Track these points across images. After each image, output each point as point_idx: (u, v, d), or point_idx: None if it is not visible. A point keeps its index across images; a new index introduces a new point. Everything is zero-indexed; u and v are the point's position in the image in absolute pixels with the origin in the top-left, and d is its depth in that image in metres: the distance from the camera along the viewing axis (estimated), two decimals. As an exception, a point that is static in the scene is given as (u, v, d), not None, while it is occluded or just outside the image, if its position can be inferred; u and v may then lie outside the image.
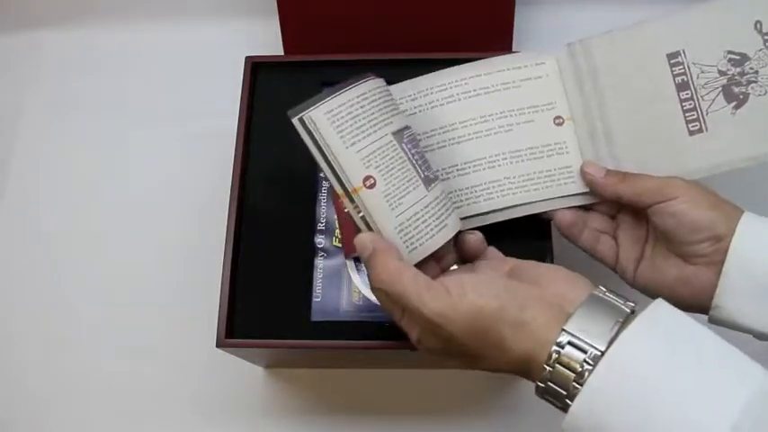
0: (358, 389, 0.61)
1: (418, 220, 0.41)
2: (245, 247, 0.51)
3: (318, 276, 0.50)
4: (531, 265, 0.40)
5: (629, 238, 0.47)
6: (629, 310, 0.35)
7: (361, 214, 0.40)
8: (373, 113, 0.41)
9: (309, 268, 0.51)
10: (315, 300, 0.50)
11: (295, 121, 0.40)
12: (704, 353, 0.33)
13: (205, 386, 0.62)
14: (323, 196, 0.53)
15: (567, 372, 0.33)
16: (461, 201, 0.48)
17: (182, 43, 0.76)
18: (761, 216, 0.42)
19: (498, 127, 0.49)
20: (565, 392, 0.33)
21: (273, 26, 0.66)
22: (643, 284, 0.46)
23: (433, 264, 0.43)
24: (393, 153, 0.41)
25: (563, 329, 0.34)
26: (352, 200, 0.40)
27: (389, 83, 0.55)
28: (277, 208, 0.52)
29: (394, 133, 0.41)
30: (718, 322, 0.43)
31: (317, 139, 0.40)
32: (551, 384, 0.34)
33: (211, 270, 0.52)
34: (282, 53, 0.68)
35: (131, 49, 0.76)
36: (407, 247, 0.40)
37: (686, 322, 0.34)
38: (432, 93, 0.50)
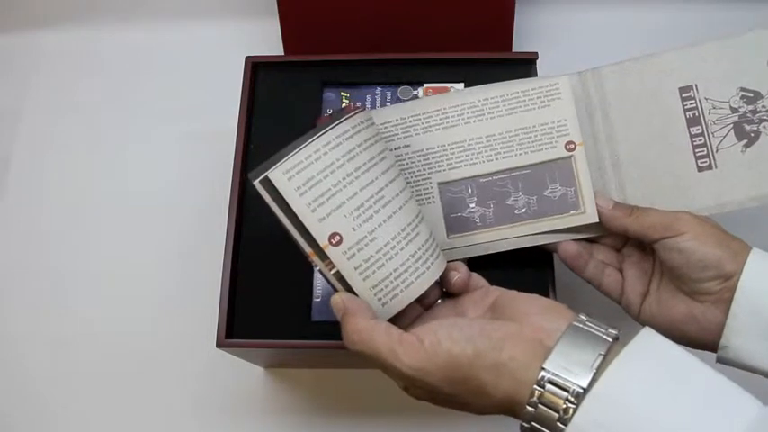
0: (358, 389, 0.61)
1: (391, 274, 0.39)
2: (245, 247, 0.51)
3: (318, 276, 0.50)
4: (510, 297, 0.39)
5: (635, 272, 0.47)
6: (611, 339, 0.34)
7: (333, 270, 0.39)
8: (342, 165, 0.38)
9: (309, 268, 0.51)
10: (315, 300, 0.50)
11: (256, 184, 0.38)
12: (694, 385, 0.32)
13: (205, 386, 0.62)
14: (323, 196, 0.53)
15: (551, 411, 0.32)
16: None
17: (182, 43, 0.76)
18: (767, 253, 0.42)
19: (507, 150, 0.48)
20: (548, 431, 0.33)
21: (273, 26, 0.66)
22: (649, 320, 0.45)
23: (414, 303, 0.41)
24: (366, 206, 0.39)
25: (542, 368, 0.33)
26: (322, 257, 0.38)
27: (390, 83, 0.56)
28: (277, 208, 0.52)
29: (369, 184, 0.39)
30: (726, 362, 0.42)
31: (279, 199, 0.38)
32: (536, 425, 0.33)
33: (211, 270, 0.52)
34: (282, 53, 0.68)
35: (131, 49, 0.76)
36: (380, 300, 0.39)
37: (674, 353, 0.33)
38: (439, 114, 0.48)
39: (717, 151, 0.47)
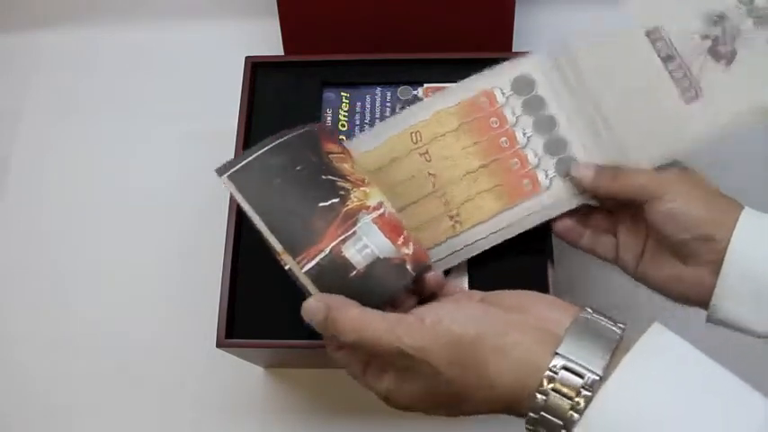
0: (358, 389, 0.61)
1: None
2: (245, 247, 0.51)
3: (318, 276, 0.50)
4: (506, 294, 0.38)
5: (630, 235, 0.46)
6: (620, 332, 0.33)
7: (305, 269, 0.37)
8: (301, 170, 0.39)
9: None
10: (315, 300, 0.50)
11: (224, 179, 0.38)
12: (706, 384, 0.31)
13: (205, 386, 0.62)
14: (323, 196, 0.53)
15: (564, 400, 0.31)
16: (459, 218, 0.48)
17: (182, 43, 0.76)
18: (761, 213, 0.41)
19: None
20: (561, 422, 0.31)
21: (273, 26, 0.66)
22: (643, 279, 0.46)
23: (390, 311, 0.39)
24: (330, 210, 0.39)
25: (556, 353, 0.32)
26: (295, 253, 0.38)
27: (390, 83, 0.56)
28: (277, 208, 0.52)
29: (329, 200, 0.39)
30: (715, 322, 0.42)
31: (244, 204, 0.38)
32: (545, 415, 0.31)
33: (211, 270, 0.52)
34: (282, 53, 0.68)
35: (131, 49, 0.76)
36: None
37: (686, 351, 0.33)
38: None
39: (699, 79, 0.46)
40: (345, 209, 0.40)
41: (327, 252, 0.38)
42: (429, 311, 0.35)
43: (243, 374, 0.61)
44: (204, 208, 0.66)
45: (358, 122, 0.55)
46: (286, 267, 0.38)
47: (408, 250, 0.41)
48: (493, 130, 0.50)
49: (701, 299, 0.42)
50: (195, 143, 0.70)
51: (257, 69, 0.56)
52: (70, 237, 0.68)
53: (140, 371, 0.63)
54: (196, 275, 0.62)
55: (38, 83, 0.76)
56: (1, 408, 0.62)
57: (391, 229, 0.41)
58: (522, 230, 0.48)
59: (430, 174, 0.49)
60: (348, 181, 0.42)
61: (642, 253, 0.46)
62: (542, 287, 0.48)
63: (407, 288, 0.40)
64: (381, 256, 0.39)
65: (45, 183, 0.71)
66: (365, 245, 0.39)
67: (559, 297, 0.47)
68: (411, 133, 0.50)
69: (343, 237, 0.39)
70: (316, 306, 0.36)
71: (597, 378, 0.31)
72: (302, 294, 0.50)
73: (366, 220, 0.40)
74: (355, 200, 0.41)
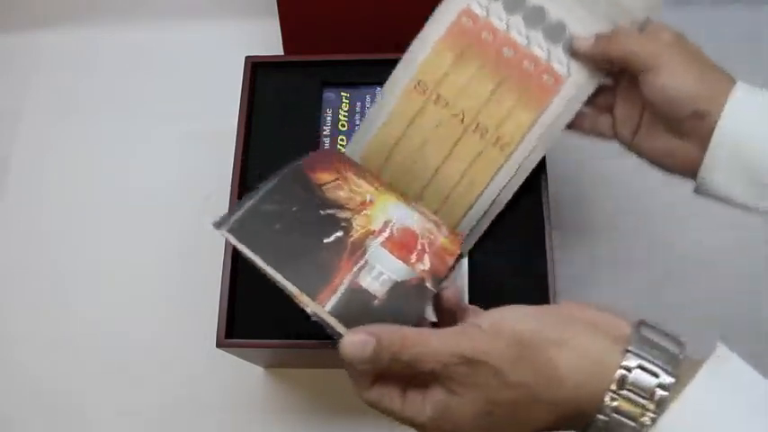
0: (358, 389, 0.61)
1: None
2: (245, 247, 0.51)
3: (318, 276, 0.50)
4: (551, 305, 0.37)
5: (626, 110, 0.46)
6: (679, 347, 0.32)
7: (328, 308, 0.36)
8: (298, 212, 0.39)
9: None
10: (315, 300, 0.50)
11: (223, 233, 0.37)
12: None
13: (205, 386, 0.62)
14: (323, 196, 0.53)
15: (638, 400, 0.29)
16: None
17: (182, 43, 0.76)
18: (753, 87, 0.41)
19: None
20: (633, 424, 0.29)
21: (273, 26, 0.66)
22: (638, 151, 0.46)
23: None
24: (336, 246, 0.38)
25: (628, 350, 0.30)
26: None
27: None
28: (277, 208, 0.52)
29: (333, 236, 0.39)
30: (704, 194, 0.43)
31: (255, 259, 0.37)
32: (617, 416, 0.29)
33: (211, 270, 0.52)
34: (282, 53, 0.68)
35: (131, 49, 0.76)
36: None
37: (754, 378, 0.31)
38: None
39: None
40: (351, 239, 0.39)
41: (345, 287, 0.37)
42: (484, 318, 0.33)
43: (243, 374, 0.61)
44: (204, 208, 0.66)
45: (358, 122, 0.55)
46: (308, 310, 0.36)
47: (424, 266, 0.40)
48: (490, 45, 0.48)
49: (691, 171, 0.43)
50: (195, 143, 0.70)
51: (257, 69, 0.56)
52: (70, 237, 0.68)
53: (140, 371, 0.63)
54: (196, 275, 0.62)
55: (38, 83, 0.76)
56: (1, 408, 0.62)
57: (402, 247, 0.40)
58: (561, 128, 0.47)
59: (454, 115, 0.48)
60: (347, 209, 0.41)
61: (638, 127, 0.46)
62: (542, 287, 0.48)
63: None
64: (399, 280, 0.38)
65: (45, 183, 0.71)
66: (380, 272, 0.38)
67: (559, 297, 0.47)
68: (414, 86, 0.48)
69: (356, 268, 0.38)
70: (361, 339, 0.32)
71: (673, 381, 0.29)
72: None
73: (375, 247, 0.39)
74: (359, 228, 0.40)
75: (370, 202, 0.42)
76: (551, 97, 0.47)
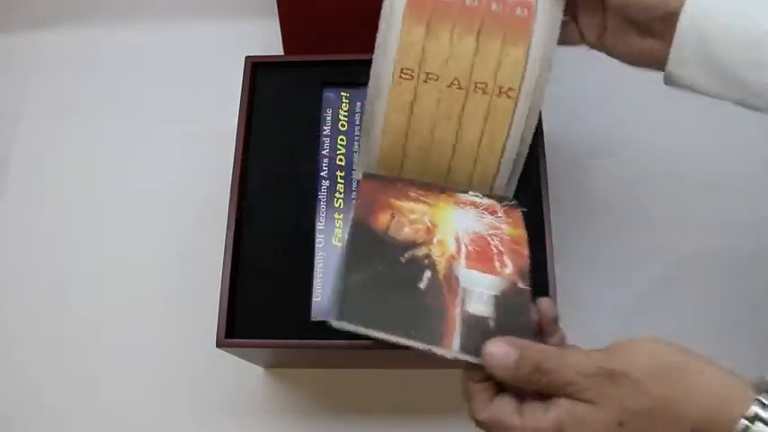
0: (358, 389, 0.61)
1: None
2: (245, 247, 0.51)
3: (318, 276, 0.50)
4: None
5: (588, 17, 0.46)
6: None
7: (455, 348, 0.37)
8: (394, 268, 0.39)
9: (309, 268, 0.51)
10: (315, 300, 0.50)
11: (341, 325, 0.37)
12: None
13: (205, 386, 0.62)
14: (322, 196, 0.53)
15: None
16: None
17: (182, 43, 0.76)
18: None
19: None
20: None
21: (273, 26, 0.66)
22: (609, 52, 0.47)
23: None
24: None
25: (757, 399, 0.32)
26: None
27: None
28: (277, 207, 0.52)
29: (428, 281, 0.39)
30: (673, 85, 0.44)
31: (378, 333, 0.37)
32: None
33: (211, 270, 0.51)
34: (282, 53, 0.68)
35: (131, 49, 0.76)
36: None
37: None
38: None
39: None
40: (440, 274, 0.40)
41: (460, 321, 0.38)
42: (619, 340, 0.35)
43: (243, 374, 0.61)
44: (204, 208, 0.66)
45: (358, 122, 0.55)
46: (449, 356, 0.37)
47: (509, 268, 0.41)
48: (452, 3, 0.46)
49: (659, 66, 0.44)
50: (195, 143, 0.70)
51: (257, 69, 0.56)
52: (70, 237, 0.68)
53: (140, 371, 0.63)
54: (196, 275, 0.62)
55: (38, 83, 0.76)
56: (1, 408, 0.62)
57: (483, 259, 0.41)
58: (554, 48, 0.46)
59: (448, 86, 0.47)
60: (420, 244, 0.41)
61: (604, 30, 0.46)
62: (542, 287, 0.48)
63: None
64: (498, 293, 0.39)
65: (45, 183, 0.71)
66: (479, 293, 0.39)
67: (559, 297, 0.47)
68: (400, 75, 0.47)
69: (458, 300, 0.39)
70: (505, 350, 0.35)
71: None
72: (302, 294, 0.50)
73: (462, 271, 0.40)
74: (439, 258, 0.41)
75: (433, 225, 0.43)
76: (531, 25, 0.46)
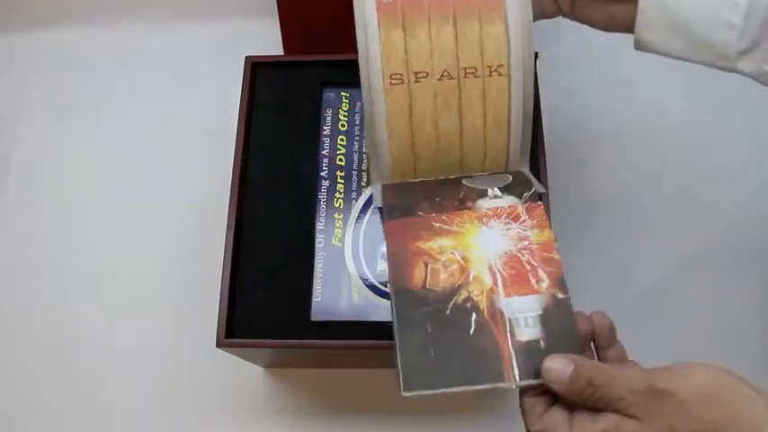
0: (358, 389, 0.61)
1: None
2: (244, 247, 0.51)
3: (318, 276, 0.50)
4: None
5: None
6: None
7: (519, 380, 0.38)
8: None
9: (309, 268, 0.51)
10: (315, 300, 0.50)
11: (416, 394, 0.38)
12: None
13: (205, 386, 0.62)
14: (322, 196, 0.53)
15: None
16: None
17: (182, 43, 0.76)
18: None
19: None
20: None
21: (273, 26, 0.66)
22: (581, 20, 0.48)
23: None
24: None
25: None
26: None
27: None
28: (277, 208, 0.52)
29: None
30: (642, 50, 0.46)
31: (445, 389, 0.38)
32: None
33: (211, 270, 0.52)
34: (282, 53, 0.68)
35: (131, 49, 0.76)
36: None
37: None
38: None
39: None
40: (485, 312, 0.40)
41: (514, 352, 0.39)
42: (674, 364, 0.36)
43: (243, 374, 0.61)
44: (204, 208, 0.66)
45: (358, 122, 0.55)
46: (513, 386, 0.39)
47: (545, 282, 0.41)
48: None
49: (629, 31, 0.45)
50: (195, 143, 0.70)
51: (257, 69, 0.56)
52: (70, 237, 0.68)
53: (140, 371, 0.63)
54: (196, 275, 0.62)
55: (38, 83, 0.76)
56: (1, 408, 0.62)
57: (519, 281, 0.41)
58: (530, 20, 0.46)
59: (439, 79, 0.46)
60: (459, 288, 0.41)
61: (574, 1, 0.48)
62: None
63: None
64: (540, 313, 0.40)
65: (45, 183, 0.71)
66: (524, 318, 0.40)
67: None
68: (390, 82, 0.46)
69: (508, 333, 0.39)
70: (562, 366, 0.36)
71: None
72: (302, 294, 0.50)
73: (503, 302, 0.41)
74: (480, 297, 0.41)
75: (465, 261, 0.43)
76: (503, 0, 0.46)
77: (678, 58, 0.44)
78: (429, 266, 0.43)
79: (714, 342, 0.60)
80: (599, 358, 0.40)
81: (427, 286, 0.42)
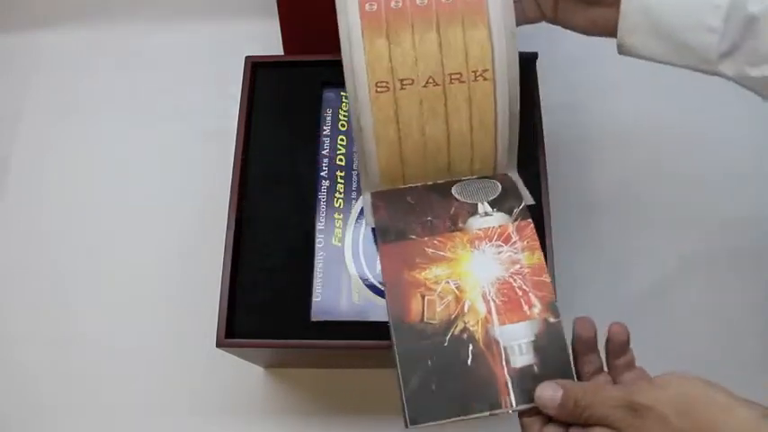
0: (358, 389, 0.61)
1: None
2: (244, 247, 0.51)
3: (318, 276, 0.50)
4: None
5: None
6: None
7: (514, 403, 0.40)
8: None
9: (309, 268, 0.51)
10: (315, 300, 0.50)
11: (422, 428, 0.40)
12: None
13: (205, 386, 0.62)
14: (322, 196, 0.53)
15: None
16: None
17: (182, 43, 0.76)
18: None
19: None
20: None
21: (273, 26, 0.66)
22: (563, 25, 0.49)
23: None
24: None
25: None
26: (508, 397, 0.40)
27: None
28: (277, 208, 0.52)
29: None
30: (625, 54, 0.46)
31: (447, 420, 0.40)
32: None
33: (211, 270, 0.52)
34: (282, 53, 0.68)
35: (131, 49, 0.76)
36: None
37: None
38: None
39: None
40: (481, 343, 0.41)
41: (510, 379, 0.40)
42: (653, 377, 0.37)
43: (243, 374, 0.61)
44: (204, 208, 0.66)
45: (358, 122, 0.55)
46: (510, 411, 0.40)
47: (537, 307, 0.42)
48: (402, 7, 0.46)
49: (611, 36, 0.46)
50: (195, 143, 0.70)
51: (257, 69, 0.56)
52: (70, 237, 0.68)
53: (140, 371, 0.63)
54: (196, 275, 0.62)
55: (38, 83, 0.76)
56: (1, 408, 0.62)
57: (512, 307, 0.42)
58: (513, 23, 0.46)
59: (425, 86, 0.46)
60: (455, 320, 0.42)
61: (557, 3, 0.48)
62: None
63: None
64: (533, 338, 0.41)
65: (45, 183, 0.71)
66: (518, 345, 0.41)
67: (559, 297, 0.47)
68: (376, 90, 0.46)
69: (503, 361, 0.41)
70: (551, 394, 0.38)
71: None
72: (302, 294, 0.50)
73: (497, 330, 0.42)
74: (476, 327, 0.42)
75: (460, 291, 0.44)
76: (485, 4, 0.46)
77: (661, 62, 0.45)
78: (426, 299, 0.44)
79: (714, 342, 0.60)
80: (608, 364, 0.40)
81: (425, 320, 0.43)
